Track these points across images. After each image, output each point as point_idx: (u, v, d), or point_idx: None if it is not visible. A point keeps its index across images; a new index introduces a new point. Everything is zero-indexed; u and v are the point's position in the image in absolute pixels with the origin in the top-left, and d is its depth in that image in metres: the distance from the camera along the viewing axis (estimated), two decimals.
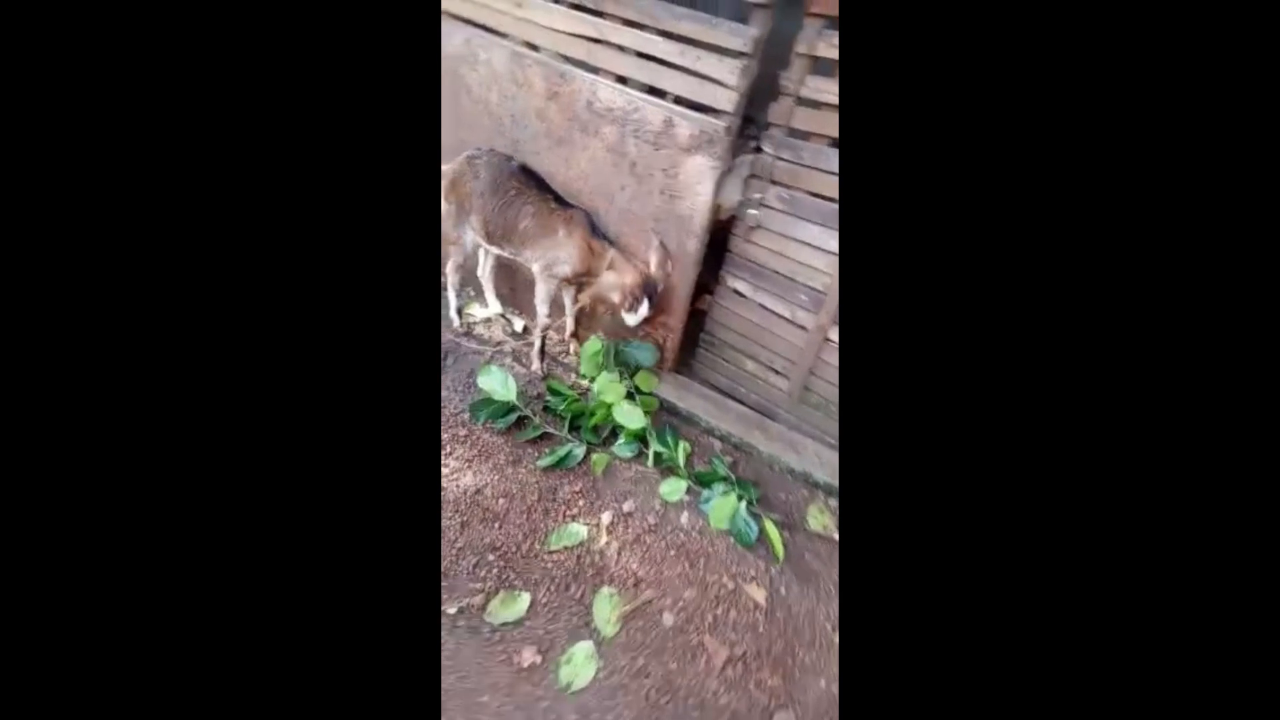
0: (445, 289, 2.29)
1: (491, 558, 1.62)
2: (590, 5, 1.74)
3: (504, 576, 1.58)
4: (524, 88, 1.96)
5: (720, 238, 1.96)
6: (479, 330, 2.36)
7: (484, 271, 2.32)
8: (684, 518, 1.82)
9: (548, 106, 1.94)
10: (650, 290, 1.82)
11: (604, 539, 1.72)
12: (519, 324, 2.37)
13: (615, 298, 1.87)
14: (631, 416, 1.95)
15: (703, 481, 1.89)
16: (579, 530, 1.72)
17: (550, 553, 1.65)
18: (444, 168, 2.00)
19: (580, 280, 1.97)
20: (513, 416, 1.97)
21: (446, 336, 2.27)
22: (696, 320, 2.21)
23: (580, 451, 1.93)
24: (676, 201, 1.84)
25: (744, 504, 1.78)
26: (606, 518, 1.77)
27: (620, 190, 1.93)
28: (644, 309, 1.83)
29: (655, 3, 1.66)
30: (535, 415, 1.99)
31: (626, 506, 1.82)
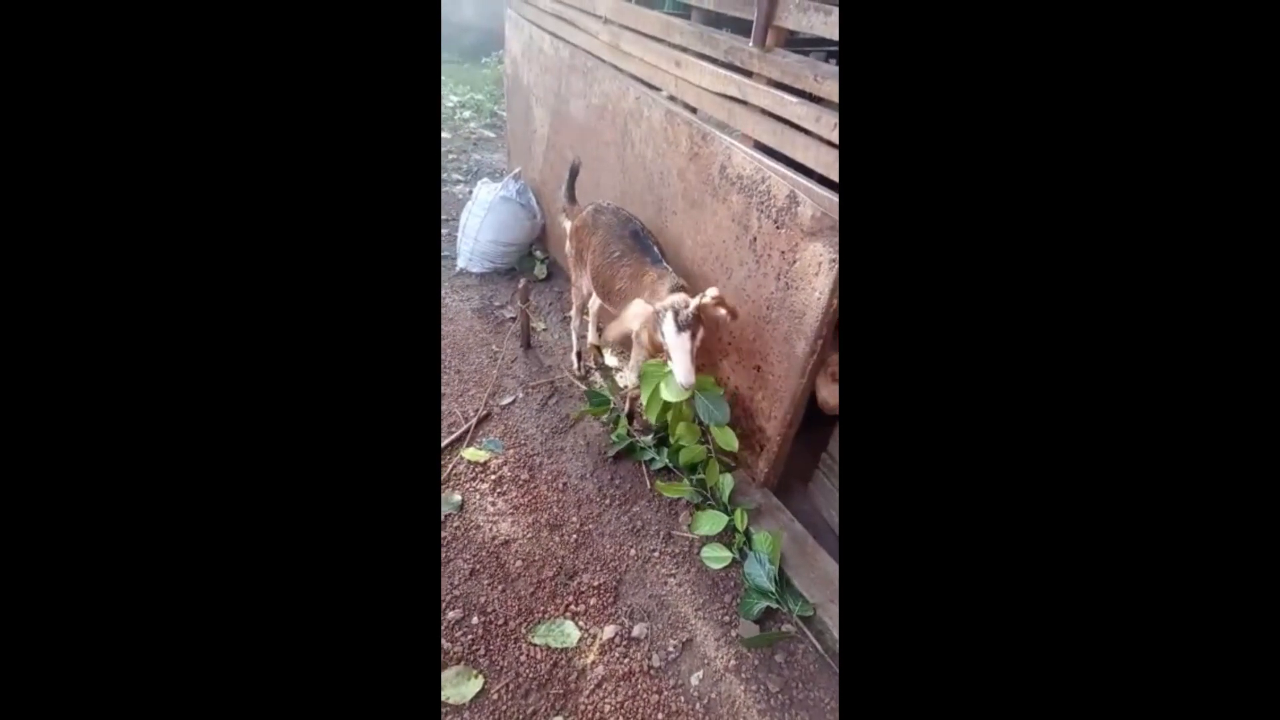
0: (570, 331, 2.32)
1: (476, 620, 1.53)
2: (739, 63, 1.55)
3: (475, 648, 1.48)
4: (672, 146, 1.86)
5: None
6: (595, 378, 2.32)
7: (592, 306, 2.27)
8: (696, 678, 1.45)
9: (688, 167, 1.80)
10: (675, 308, 1.43)
11: (592, 656, 1.47)
12: (623, 380, 2.26)
13: (635, 325, 1.54)
14: (709, 521, 1.74)
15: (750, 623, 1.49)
16: (571, 632, 1.51)
17: (531, 644, 1.49)
18: (580, 214, 2.02)
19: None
20: (611, 416, 2.07)
21: (559, 376, 2.30)
22: (814, 440, 1.78)
23: (652, 456, 1.94)
24: (791, 292, 1.50)
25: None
26: (608, 632, 1.52)
27: (739, 266, 1.67)
28: (670, 328, 1.43)
29: (805, 60, 1.38)
30: (622, 425, 2.03)
31: (637, 630, 1.54)
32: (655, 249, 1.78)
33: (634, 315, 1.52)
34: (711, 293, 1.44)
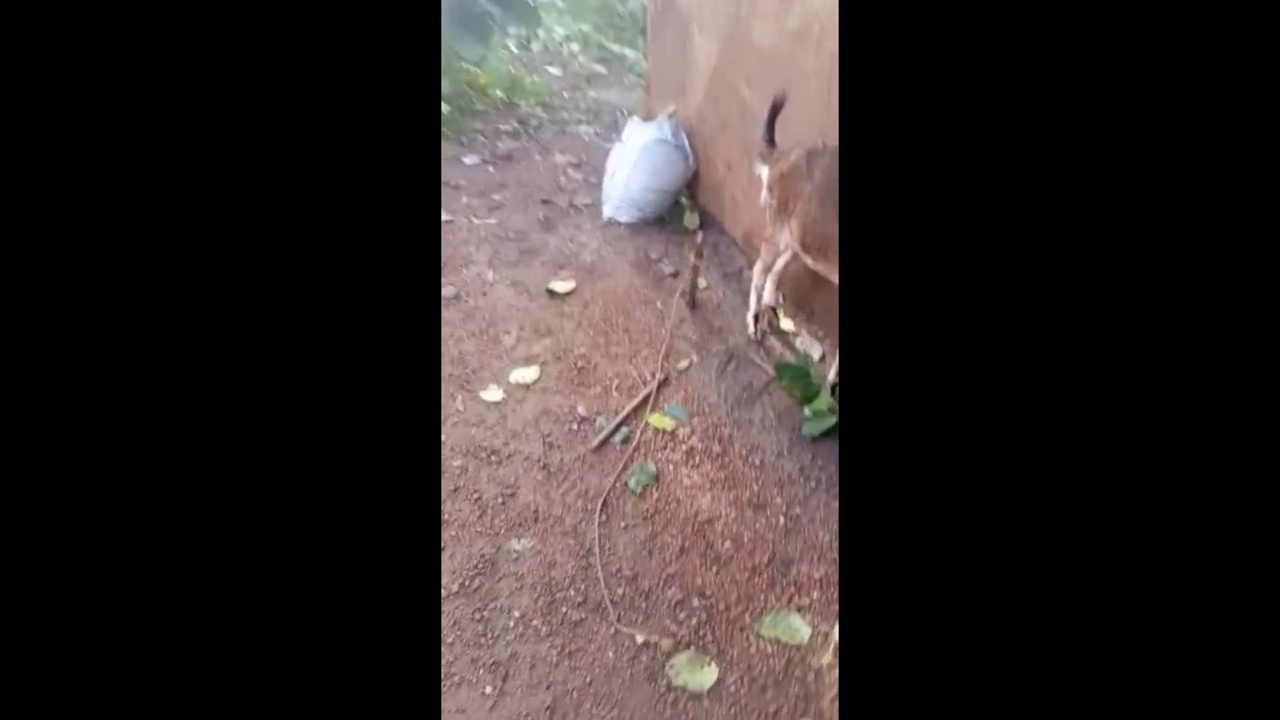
0: (750, 290, 2.12)
1: (697, 603, 1.44)
2: None
3: (701, 633, 1.39)
4: None
5: None
6: (772, 342, 2.13)
7: (776, 265, 2.03)
8: None
9: None
10: None
11: (828, 659, 1.36)
12: (816, 350, 2.06)
13: None
14: None
15: None
16: (800, 628, 1.40)
17: (759, 636, 1.39)
18: (786, 158, 1.77)
19: None
20: (811, 391, 1.86)
21: (734, 341, 2.12)
22: None
23: None
24: None
25: None
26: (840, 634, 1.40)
27: None
28: None
29: None
30: (823, 399, 1.83)
31: None
32: None
33: None
34: None
